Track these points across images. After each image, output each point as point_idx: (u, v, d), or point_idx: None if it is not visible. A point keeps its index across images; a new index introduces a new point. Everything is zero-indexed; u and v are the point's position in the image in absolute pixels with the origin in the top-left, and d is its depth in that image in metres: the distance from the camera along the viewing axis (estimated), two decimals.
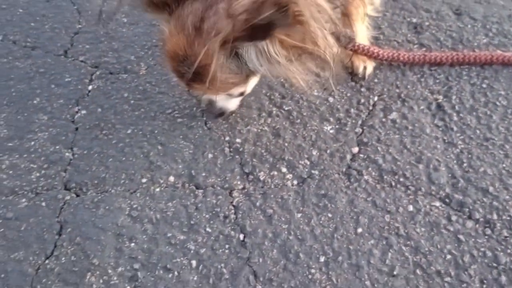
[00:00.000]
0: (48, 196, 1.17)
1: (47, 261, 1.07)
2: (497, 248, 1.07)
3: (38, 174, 1.21)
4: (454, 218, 1.12)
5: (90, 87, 1.42)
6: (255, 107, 1.35)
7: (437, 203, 1.15)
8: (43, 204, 1.16)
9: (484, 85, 1.39)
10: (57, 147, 1.27)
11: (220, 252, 1.08)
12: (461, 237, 1.09)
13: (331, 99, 1.37)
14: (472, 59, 1.42)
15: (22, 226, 1.12)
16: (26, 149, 1.26)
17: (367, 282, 1.03)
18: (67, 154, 1.25)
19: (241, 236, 1.10)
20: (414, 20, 1.58)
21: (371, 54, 1.39)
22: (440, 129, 1.30)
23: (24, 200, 1.16)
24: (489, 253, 1.06)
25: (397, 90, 1.39)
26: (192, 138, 1.29)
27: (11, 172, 1.21)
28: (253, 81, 1.17)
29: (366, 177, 1.20)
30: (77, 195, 1.18)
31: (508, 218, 1.11)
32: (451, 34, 1.54)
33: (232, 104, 1.26)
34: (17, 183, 1.19)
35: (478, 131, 1.29)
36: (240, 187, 1.20)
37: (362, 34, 1.44)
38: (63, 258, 1.07)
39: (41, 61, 1.49)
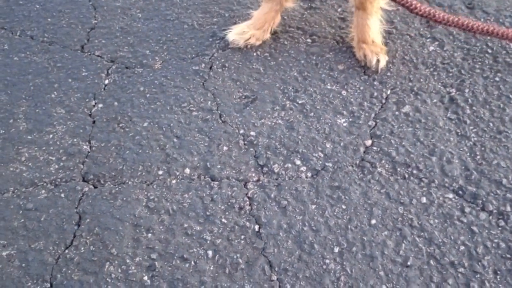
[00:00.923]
0: (67, 187, 1.20)
1: (66, 251, 1.09)
2: (511, 239, 1.08)
3: (57, 166, 1.24)
4: (467, 210, 1.13)
5: (106, 81, 1.44)
6: (269, 101, 1.37)
7: (451, 195, 1.16)
8: (62, 195, 1.18)
9: (497, 78, 1.40)
10: (75, 140, 1.29)
11: (235, 243, 1.10)
12: (474, 228, 1.10)
13: (344, 92, 1.39)
14: (500, 34, 1.38)
15: (42, 216, 1.14)
16: (45, 142, 1.28)
17: (381, 273, 1.04)
18: (85, 146, 1.28)
19: (256, 227, 1.12)
20: None
21: (408, 5, 1.35)
22: (453, 122, 1.30)
23: (43, 191, 1.19)
24: (502, 244, 1.07)
25: (410, 84, 1.40)
26: (207, 131, 1.31)
27: (30, 164, 1.24)
28: None
29: (379, 169, 1.22)
30: (95, 187, 1.20)
31: None
32: None
33: None
34: (37, 175, 1.22)
35: (491, 124, 1.29)
36: (255, 179, 1.21)
37: (376, 28, 1.45)
38: (82, 248, 1.09)
39: (58, 56, 1.52)
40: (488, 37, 1.48)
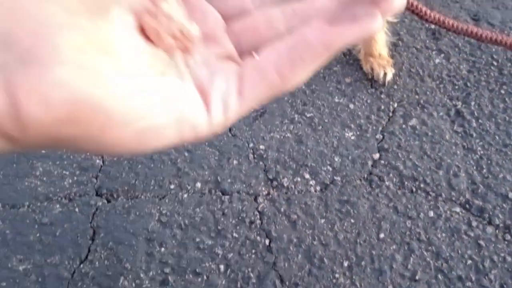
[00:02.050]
0: (81, 202, 1.22)
1: (81, 265, 1.12)
2: None
3: (70, 181, 1.26)
4: (474, 223, 1.15)
5: None
6: (278, 114, 1.39)
7: (458, 209, 1.18)
8: (76, 209, 1.21)
9: (502, 91, 1.42)
10: (88, 154, 1.32)
11: (247, 257, 1.12)
12: (481, 242, 1.12)
13: (351, 106, 1.41)
14: (509, 43, 1.40)
15: (57, 231, 1.17)
16: (58, 156, 1.31)
17: (390, 287, 1.06)
18: (98, 161, 1.30)
19: (267, 241, 1.15)
20: (433, 27, 1.60)
21: (419, 12, 1.37)
22: (460, 135, 1.33)
23: (58, 206, 1.21)
24: (509, 258, 1.09)
25: (417, 97, 1.42)
26: (218, 144, 1.33)
27: (45, 178, 1.27)
28: None
29: (387, 183, 1.24)
30: (108, 201, 1.23)
31: None
32: (469, 40, 1.56)
33: None
34: (51, 189, 1.24)
35: (497, 137, 1.31)
36: (265, 193, 1.24)
37: (382, 41, 1.47)
38: (97, 262, 1.12)
39: None
40: (496, 46, 1.48)
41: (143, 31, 0.35)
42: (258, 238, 1.15)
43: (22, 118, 0.30)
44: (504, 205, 1.18)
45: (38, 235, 1.16)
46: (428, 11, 1.37)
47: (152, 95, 0.33)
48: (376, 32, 1.41)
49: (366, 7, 0.37)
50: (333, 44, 0.36)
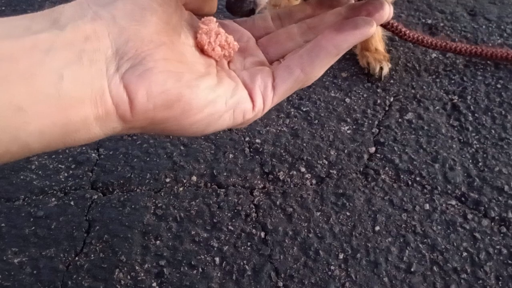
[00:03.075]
0: (76, 195, 1.22)
1: (77, 258, 1.11)
2: None
3: (66, 174, 1.26)
4: (470, 216, 1.15)
5: None
6: (274, 108, 1.39)
7: (453, 202, 1.18)
8: (72, 203, 1.21)
9: (498, 85, 1.42)
10: (84, 148, 1.32)
11: (242, 250, 1.12)
12: (477, 235, 1.12)
13: (347, 100, 1.41)
14: (488, 54, 1.43)
15: (53, 224, 1.17)
16: (54, 150, 1.31)
17: (385, 279, 1.06)
18: (93, 155, 1.30)
19: (262, 234, 1.14)
20: (429, 21, 1.61)
21: (398, 32, 1.40)
22: (456, 129, 1.32)
23: (53, 199, 1.21)
24: (504, 251, 1.09)
25: (413, 91, 1.42)
26: (213, 138, 1.33)
27: (40, 172, 1.26)
28: None
29: (383, 176, 1.24)
30: (104, 194, 1.23)
31: None
32: (466, 35, 1.56)
33: None
34: (47, 183, 1.24)
35: (493, 131, 1.31)
36: (261, 186, 1.23)
37: (378, 35, 1.47)
38: (92, 255, 1.12)
39: None
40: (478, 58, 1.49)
41: (197, 46, 0.50)
42: (254, 231, 1.15)
43: (134, 104, 0.44)
44: (500, 198, 1.18)
45: (33, 228, 1.16)
46: (408, 31, 1.42)
47: (216, 90, 0.47)
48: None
49: (364, 18, 0.50)
50: (341, 45, 0.50)
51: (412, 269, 1.07)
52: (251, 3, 0.62)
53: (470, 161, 1.25)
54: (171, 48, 0.46)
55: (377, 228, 1.14)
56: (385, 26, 1.36)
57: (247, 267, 1.09)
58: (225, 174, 1.26)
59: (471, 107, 1.37)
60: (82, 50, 0.42)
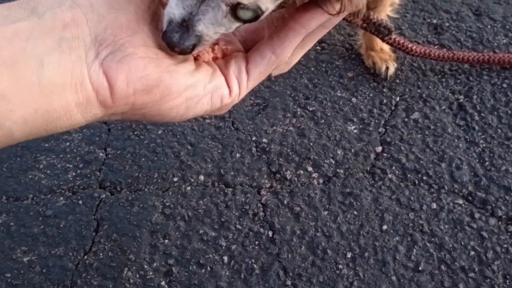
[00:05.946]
0: (84, 194, 1.23)
1: (86, 257, 1.12)
2: None
3: (74, 174, 1.27)
4: (477, 215, 1.15)
5: None
6: (280, 108, 1.39)
7: (460, 201, 1.18)
8: (80, 202, 1.21)
9: (504, 85, 1.42)
10: (92, 147, 1.32)
11: (250, 248, 1.13)
12: (484, 234, 1.12)
13: (354, 99, 1.41)
14: (496, 60, 1.43)
15: (61, 223, 1.17)
16: (62, 150, 1.31)
17: (393, 278, 1.07)
18: (101, 154, 1.31)
19: (270, 233, 1.15)
20: (434, 21, 1.61)
21: (405, 49, 1.39)
22: (462, 128, 1.33)
23: (62, 198, 1.22)
24: (511, 250, 1.09)
25: (419, 91, 1.42)
26: (220, 138, 1.33)
27: (48, 171, 1.27)
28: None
29: (390, 175, 1.24)
30: (112, 194, 1.23)
31: None
32: (471, 35, 1.56)
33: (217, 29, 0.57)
34: (55, 182, 1.25)
35: (499, 130, 1.32)
36: (268, 185, 1.24)
37: None
38: (101, 254, 1.12)
39: None
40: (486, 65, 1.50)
41: None
42: (262, 230, 1.15)
43: (114, 90, 0.44)
44: (507, 197, 1.18)
45: (42, 227, 1.16)
46: (414, 47, 1.39)
47: (195, 75, 0.50)
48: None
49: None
50: (308, 24, 0.52)
51: (420, 268, 1.08)
52: (195, 37, 0.50)
53: (477, 160, 1.26)
54: (149, 35, 0.47)
55: (385, 227, 1.15)
56: (391, 43, 1.36)
57: (255, 266, 1.10)
58: (232, 173, 1.26)
59: (477, 106, 1.37)
60: (61, 38, 0.43)
